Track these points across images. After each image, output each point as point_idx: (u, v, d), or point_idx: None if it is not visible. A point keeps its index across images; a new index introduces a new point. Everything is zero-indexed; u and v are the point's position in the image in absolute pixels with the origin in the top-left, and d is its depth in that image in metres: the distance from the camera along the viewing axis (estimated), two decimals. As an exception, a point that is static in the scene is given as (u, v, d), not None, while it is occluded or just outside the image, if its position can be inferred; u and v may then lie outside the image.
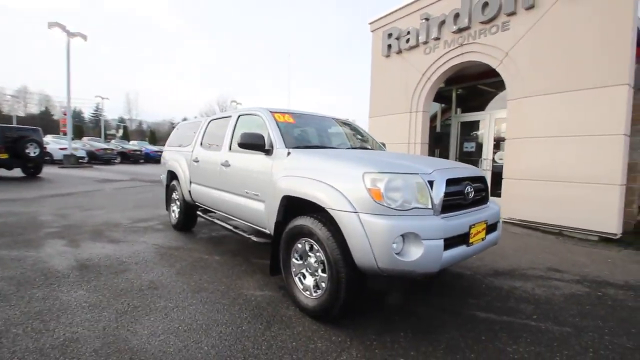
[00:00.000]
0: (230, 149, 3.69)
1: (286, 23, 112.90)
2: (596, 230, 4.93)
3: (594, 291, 3.15)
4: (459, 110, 8.55)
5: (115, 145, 24.06)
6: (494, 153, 7.48)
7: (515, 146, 5.91)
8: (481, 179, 2.72)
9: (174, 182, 5.03)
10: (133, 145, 28.20)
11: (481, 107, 8.18)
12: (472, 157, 7.86)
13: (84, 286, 2.88)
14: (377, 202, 2.09)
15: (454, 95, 8.44)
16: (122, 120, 62.72)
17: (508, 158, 6.05)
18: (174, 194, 5.12)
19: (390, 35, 8.03)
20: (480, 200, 2.68)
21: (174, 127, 6.28)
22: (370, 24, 8.68)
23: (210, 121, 4.48)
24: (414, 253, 2.03)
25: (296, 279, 2.61)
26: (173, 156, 5.14)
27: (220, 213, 3.91)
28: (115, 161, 21.52)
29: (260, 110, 3.41)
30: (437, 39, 7.05)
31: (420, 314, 2.60)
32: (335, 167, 2.40)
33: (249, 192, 3.19)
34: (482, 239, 2.51)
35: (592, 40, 4.86)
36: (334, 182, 2.28)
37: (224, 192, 3.66)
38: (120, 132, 41.99)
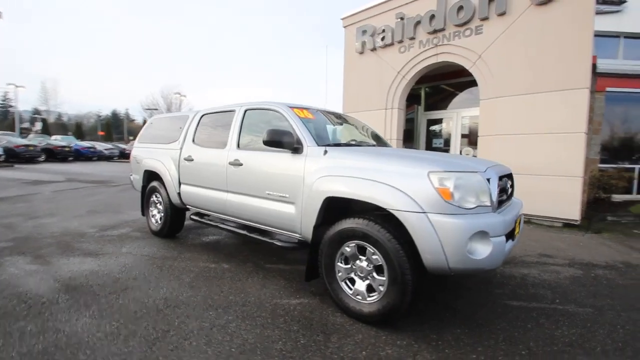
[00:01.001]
0: (238, 146, 3.38)
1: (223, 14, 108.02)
2: (561, 218, 5.56)
3: (587, 272, 3.52)
4: (420, 108, 8.98)
5: (38, 140, 20.85)
6: (461, 149, 8.00)
7: (487, 143, 6.37)
8: (511, 175, 2.86)
9: (155, 184, 4.49)
10: (58, 140, 24.77)
11: (441, 106, 8.70)
12: (441, 153, 8.32)
13: (85, 312, 2.41)
14: (447, 201, 2.05)
15: (422, 93, 8.83)
16: (37, 111, 54.62)
17: (480, 154, 6.51)
18: (153, 196, 4.57)
19: (364, 32, 8.09)
20: (511, 195, 2.82)
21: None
22: (342, 19, 8.65)
23: (202, 115, 4.06)
24: (484, 251, 2.05)
25: (342, 284, 2.48)
26: (152, 154, 4.57)
27: (223, 216, 3.57)
28: (40, 159, 18.70)
29: (278, 105, 3.16)
30: (412, 38, 7.28)
31: (462, 308, 2.66)
32: (391, 167, 2.31)
33: (272, 193, 2.95)
34: (518, 232, 2.64)
35: (557, 47, 5.41)
36: (394, 182, 2.19)
37: (234, 193, 3.35)
38: (39, 125, 36.54)
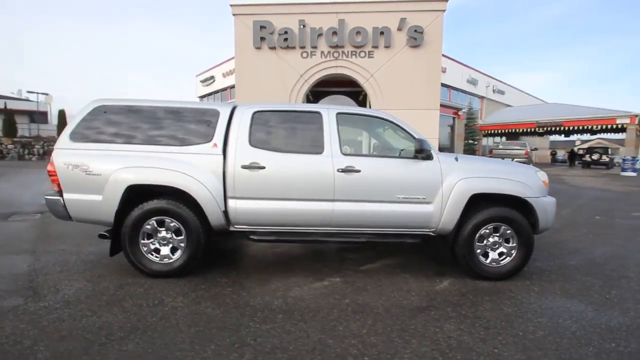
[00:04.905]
0: (341, 152, 3.26)
1: None
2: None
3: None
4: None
5: None
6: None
7: (377, 143, 8.31)
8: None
9: (160, 204, 3.13)
10: None
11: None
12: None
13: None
14: (545, 188, 3.38)
15: (310, 95, 9.74)
16: None
17: (372, 151, 8.38)
18: (152, 223, 3.16)
19: (262, 27, 7.96)
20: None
21: None
22: (232, 6, 8.01)
23: (255, 112, 3.31)
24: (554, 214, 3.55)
25: (480, 258, 3.29)
26: (145, 162, 3.12)
27: (320, 229, 3.29)
28: None
29: (389, 115, 3.38)
30: (315, 47, 8.04)
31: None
32: (511, 169, 3.37)
33: (405, 197, 3.20)
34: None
35: (423, 79, 7.95)
36: (522, 179, 3.27)
37: (345, 202, 3.21)
38: None
